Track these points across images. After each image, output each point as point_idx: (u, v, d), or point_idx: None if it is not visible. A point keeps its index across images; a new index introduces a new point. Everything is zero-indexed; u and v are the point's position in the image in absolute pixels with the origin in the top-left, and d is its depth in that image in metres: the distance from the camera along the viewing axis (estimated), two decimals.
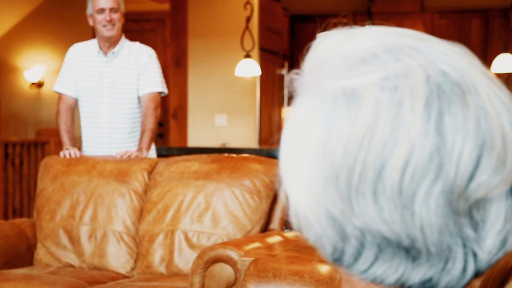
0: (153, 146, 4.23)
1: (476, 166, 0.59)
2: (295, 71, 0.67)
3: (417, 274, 0.61)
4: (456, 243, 0.60)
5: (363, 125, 0.59)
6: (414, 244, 0.60)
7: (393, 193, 0.58)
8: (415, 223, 0.59)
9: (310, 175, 0.61)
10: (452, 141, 0.58)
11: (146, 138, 4.05)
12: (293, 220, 0.65)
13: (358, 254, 0.62)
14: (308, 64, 0.65)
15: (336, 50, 0.64)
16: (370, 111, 0.59)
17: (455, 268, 0.61)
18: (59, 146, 4.19)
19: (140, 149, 4.02)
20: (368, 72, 0.60)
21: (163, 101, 7.88)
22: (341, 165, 0.59)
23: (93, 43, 4.20)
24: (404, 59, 0.60)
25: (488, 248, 0.61)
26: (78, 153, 3.98)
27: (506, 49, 8.39)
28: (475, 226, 0.60)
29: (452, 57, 0.62)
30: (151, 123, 4.08)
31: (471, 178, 0.59)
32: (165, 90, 4.22)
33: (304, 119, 0.63)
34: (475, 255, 0.61)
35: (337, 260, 0.63)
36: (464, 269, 0.61)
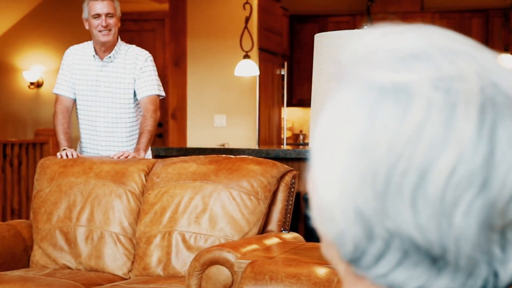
0: (149, 149, 4.22)
1: None
2: (333, 61, 0.64)
3: (437, 285, 0.58)
4: (483, 260, 0.58)
5: (412, 123, 0.56)
6: (445, 255, 0.57)
7: (434, 199, 0.56)
8: (451, 234, 0.56)
9: (345, 167, 0.58)
10: (503, 154, 0.56)
11: (144, 139, 4.04)
12: (315, 212, 0.62)
13: (380, 256, 0.59)
14: (348, 55, 0.62)
15: (383, 43, 0.61)
16: (421, 109, 0.56)
17: (476, 285, 0.59)
18: (58, 146, 4.18)
19: (137, 149, 4.01)
20: (420, 69, 0.58)
21: (162, 102, 7.87)
22: (382, 161, 0.57)
23: (89, 46, 4.19)
24: (459, 63, 0.58)
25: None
26: (75, 154, 3.96)
27: (506, 49, 8.37)
28: (504, 246, 0.58)
29: (502, 69, 0.60)
30: (149, 125, 4.06)
31: None
32: (162, 93, 4.21)
33: (345, 108, 0.60)
34: (495, 275, 0.59)
35: (354, 260, 0.60)
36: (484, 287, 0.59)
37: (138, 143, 4.06)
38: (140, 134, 4.07)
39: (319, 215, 0.61)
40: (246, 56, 6.91)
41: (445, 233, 0.56)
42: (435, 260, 0.58)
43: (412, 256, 0.58)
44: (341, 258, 0.61)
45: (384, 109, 0.57)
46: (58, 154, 3.98)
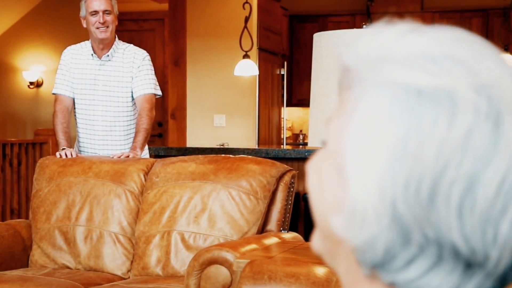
0: (146, 148, 4.22)
1: None
2: (343, 62, 0.61)
3: None
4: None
5: (461, 130, 0.55)
6: (486, 262, 0.57)
7: (482, 208, 0.55)
8: (497, 243, 0.56)
9: (383, 171, 0.57)
10: None
11: (140, 137, 4.04)
12: (346, 214, 0.59)
13: (411, 261, 0.57)
14: (363, 54, 0.60)
15: (404, 44, 0.59)
16: (469, 116, 0.55)
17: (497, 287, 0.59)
18: (57, 146, 4.18)
19: (134, 148, 4.00)
20: (459, 74, 0.57)
21: (161, 101, 7.87)
22: (428, 168, 0.55)
23: (86, 46, 4.20)
24: (492, 69, 0.57)
25: None
26: (74, 154, 3.96)
27: (506, 49, 8.37)
28: None
29: None
30: (145, 123, 4.06)
31: None
32: (159, 92, 4.21)
33: (380, 112, 0.57)
34: (505, 280, 0.59)
35: (381, 264, 0.58)
36: None
37: (134, 141, 4.05)
38: (136, 133, 4.07)
39: (346, 219, 0.59)
40: (246, 56, 6.90)
41: (490, 242, 0.56)
42: (470, 265, 0.57)
43: (447, 261, 0.57)
44: (362, 261, 0.59)
45: (427, 113, 0.56)
46: (57, 153, 3.98)
